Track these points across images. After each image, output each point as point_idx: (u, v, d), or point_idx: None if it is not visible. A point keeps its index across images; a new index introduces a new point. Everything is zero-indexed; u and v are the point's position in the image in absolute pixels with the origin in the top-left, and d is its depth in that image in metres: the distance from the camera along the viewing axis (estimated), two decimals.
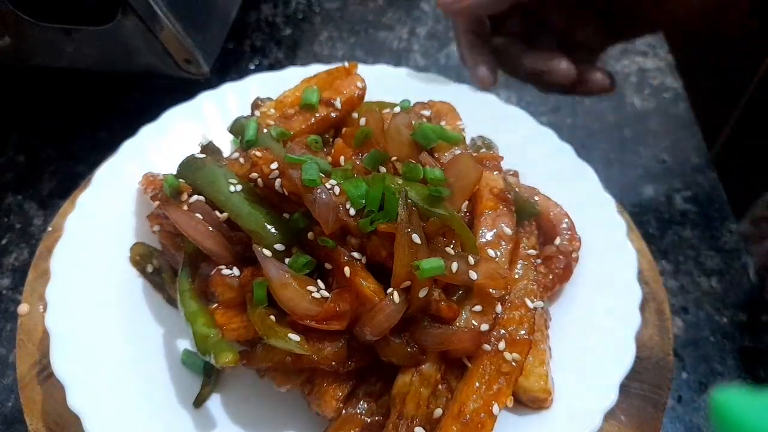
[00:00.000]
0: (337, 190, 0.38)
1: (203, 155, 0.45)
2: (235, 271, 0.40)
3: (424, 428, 0.36)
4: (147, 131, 0.53)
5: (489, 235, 0.41)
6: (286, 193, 0.40)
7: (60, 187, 0.62)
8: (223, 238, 0.41)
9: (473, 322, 0.37)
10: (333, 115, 0.48)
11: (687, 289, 0.57)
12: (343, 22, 0.83)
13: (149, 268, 0.46)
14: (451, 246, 0.38)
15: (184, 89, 0.58)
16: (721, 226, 0.62)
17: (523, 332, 0.37)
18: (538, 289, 0.40)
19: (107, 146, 0.56)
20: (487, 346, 0.37)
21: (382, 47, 0.80)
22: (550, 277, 0.43)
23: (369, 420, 0.37)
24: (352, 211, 0.37)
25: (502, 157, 0.48)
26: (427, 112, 0.48)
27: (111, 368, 0.41)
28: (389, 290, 0.36)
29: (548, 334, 0.42)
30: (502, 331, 0.38)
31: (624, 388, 0.41)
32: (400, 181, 0.39)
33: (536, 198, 0.47)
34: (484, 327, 0.37)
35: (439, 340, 0.36)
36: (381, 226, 0.37)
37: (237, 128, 0.47)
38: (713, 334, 0.53)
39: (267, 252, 0.38)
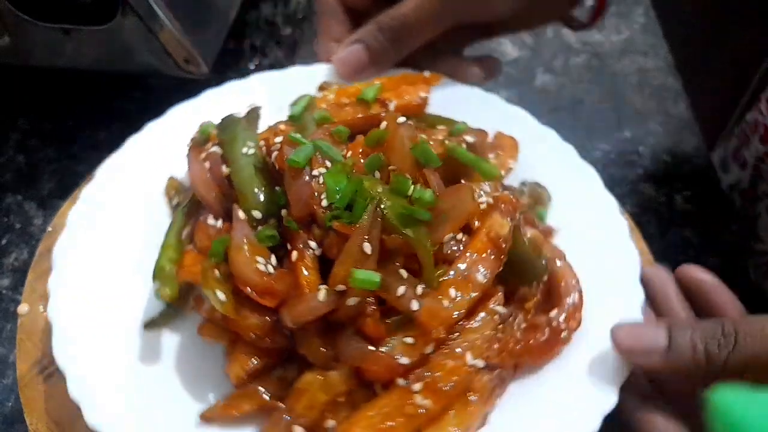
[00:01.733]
0: (321, 179, 0.39)
1: (241, 116, 0.48)
2: (220, 224, 0.42)
3: (305, 428, 0.35)
4: (151, 127, 0.53)
5: (460, 275, 0.37)
6: (277, 168, 0.41)
7: (60, 187, 0.62)
8: (219, 191, 0.43)
9: (398, 352, 0.35)
10: (383, 114, 0.46)
11: None
12: None
13: (174, 201, 0.48)
14: (406, 272, 0.36)
15: (184, 89, 0.58)
16: (722, 227, 0.62)
17: (448, 385, 0.35)
18: (492, 349, 0.37)
19: (107, 146, 0.56)
20: (401, 381, 0.35)
21: None
22: (519, 346, 0.38)
23: (268, 401, 0.37)
24: (324, 203, 0.37)
25: (537, 211, 0.45)
26: (470, 138, 0.45)
27: (114, 360, 0.41)
28: (321, 286, 0.36)
29: (495, 403, 0.38)
30: (427, 373, 0.35)
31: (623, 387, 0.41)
32: (381, 190, 0.37)
33: (557, 263, 0.42)
34: (404, 360, 0.35)
35: (354, 354, 0.35)
36: (337, 224, 0.37)
37: (295, 102, 0.49)
38: None
39: (242, 214, 0.39)
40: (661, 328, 0.37)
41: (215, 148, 0.45)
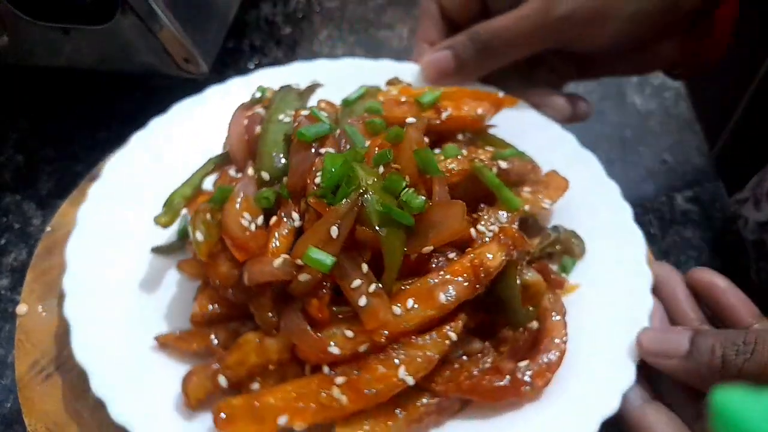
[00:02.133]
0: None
1: (299, 87, 0.50)
2: (239, 177, 0.44)
3: (228, 381, 0.36)
4: (156, 123, 0.53)
5: (424, 290, 0.36)
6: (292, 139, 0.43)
7: (59, 187, 0.62)
8: (247, 147, 0.45)
9: (333, 341, 0.35)
10: (435, 122, 0.46)
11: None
12: (342, 21, 0.82)
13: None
14: (368, 269, 0.36)
15: (184, 88, 0.58)
16: (723, 226, 0.62)
17: (371, 389, 0.34)
18: (439, 375, 0.36)
19: (106, 146, 0.56)
20: (326, 369, 0.35)
21: (381, 46, 0.79)
22: (468, 382, 0.36)
23: (213, 347, 0.39)
24: (318, 180, 0.38)
25: (560, 275, 0.43)
26: (505, 164, 0.44)
27: (132, 352, 0.40)
28: (283, 255, 0.37)
29: (425, 429, 0.37)
30: (355, 372, 0.35)
31: None
32: (372, 182, 0.37)
33: (553, 317, 0.40)
34: (335, 350, 0.35)
35: (291, 328, 0.36)
36: (313, 200, 0.37)
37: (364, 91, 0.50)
38: None
39: (252, 172, 0.42)
40: (684, 334, 0.38)
41: (260, 110, 0.46)
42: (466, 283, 0.37)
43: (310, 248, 0.35)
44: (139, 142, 0.52)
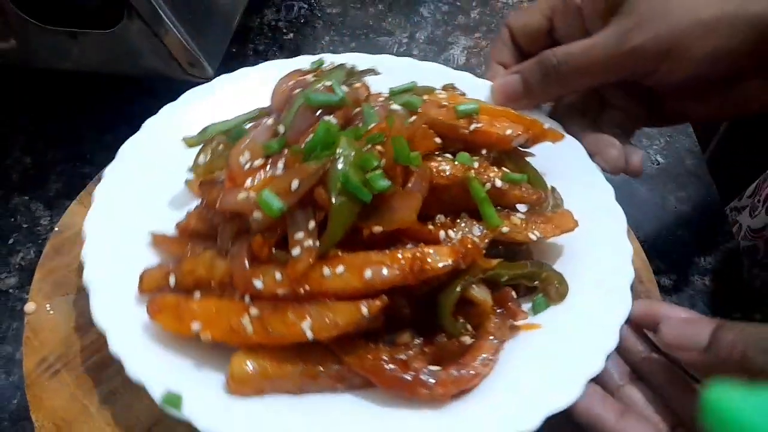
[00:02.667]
0: (331, 122, 0.43)
1: (355, 67, 0.51)
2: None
3: (176, 282, 0.41)
4: (168, 110, 0.54)
5: (357, 261, 0.38)
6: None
7: (67, 187, 0.63)
8: (285, 105, 0.48)
9: (259, 277, 0.39)
10: (463, 131, 0.46)
11: (681, 288, 0.58)
12: (344, 26, 0.84)
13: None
14: (315, 226, 0.39)
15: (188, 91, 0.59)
16: (715, 227, 0.63)
17: (273, 332, 0.38)
18: (332, 332, 0.37)
19: (113, 147, 0.57)
20: (246, 299, 0.39)
21: (382, 51, 0.81)
22: (369, 364, 0.35)
23: (183, 252, 0.44)
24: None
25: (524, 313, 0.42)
26: (501, 183, 0.43)
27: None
28: (248, 192, 0.41)
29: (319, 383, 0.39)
30: (267, 311, 0.38)
31: None
32: (348, 155, 0.39)
33: (489, 340, 0.40)
34: (259, 285, 0.38)
35: (232, 255, 0.40)
36: (286, 152, 0.41)
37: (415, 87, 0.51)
38: None
39: (271, 122, 0.45)
40: (707, 326, 0.36)
41: (310, 77, 0.49)
42: (397, 271, 0.38)
43: (264, 191, 0.38)
44: (152, 126, 0.53)
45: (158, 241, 0.46)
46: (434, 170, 0.42)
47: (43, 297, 0.49)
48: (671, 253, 0.60)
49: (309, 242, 0.38)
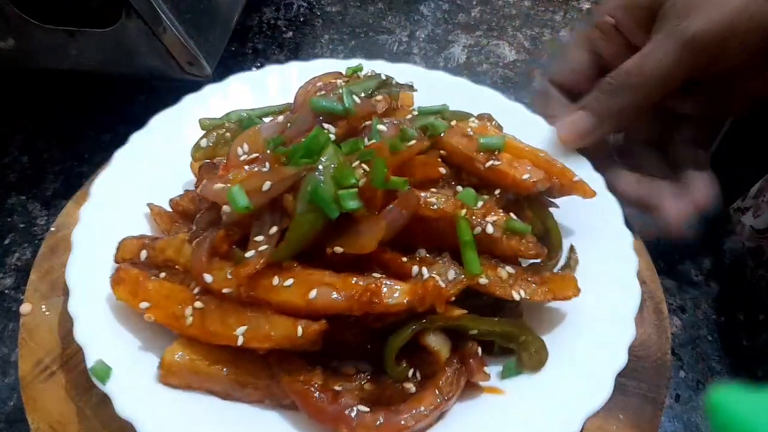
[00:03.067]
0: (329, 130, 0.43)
1: (390, 79, 0.50)
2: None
3: (146, 257, 0.43)
4: (157, 120, 0.54)
5: (308, 280, 0.37)
6: None
7: (64, 187, 0.63)
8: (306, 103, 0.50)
9: (214, 272, 0.39)
10: (477, 165, 0.44)
11: (685, 288, 0.57)
12: (343, 25, 0.83)
13: None
14: (277, 232, 0.38)
15: (187, 91, 0.59)
16: (719, 226, 0.62)
17: (210, 328, 0.38)
18: (264, 344, 0.38)
19: (111, 147, 0.56)
20: (196, 289, 0.39)
21: (381, 50, 0.80)
22: (301, 385, 0.36)
23: (172, 228, 0.45)
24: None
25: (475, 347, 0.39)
26: (492, 230, 0.40)
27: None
28: (226, 185, 0.41)
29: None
30: (212, 306, 0.39)
31: (622, 386, 0.42)
32: (329, 166, 0.38)
33: (434, 393, 0.38)
34: (208, 280, 0.39)
35: (196, 244, 0.40)
36: (270, 151, 0.41)
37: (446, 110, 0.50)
38: (711, 333, 0.54)
39: (282, 118, 0.46)
40: (579, 111, 0.45)
41: (340, 82, 0.49)
42: (343, 299, 0.36)
43: (234, 188, 0.38)
44: (158, 123, 0.53)
45: (154, 212, 0.47)
46: (422, 200, 0.40)
47: (39, 298, 0.49)
48: (674, 253, 0.60)
49: (265, 247, 0.38)
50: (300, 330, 0.37)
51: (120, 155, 0.50)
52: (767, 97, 0.52)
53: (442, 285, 0.38)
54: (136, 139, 0.52)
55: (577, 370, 0.39)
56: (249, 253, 0.38)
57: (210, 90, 0.55)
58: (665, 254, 0.59)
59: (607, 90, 0.47)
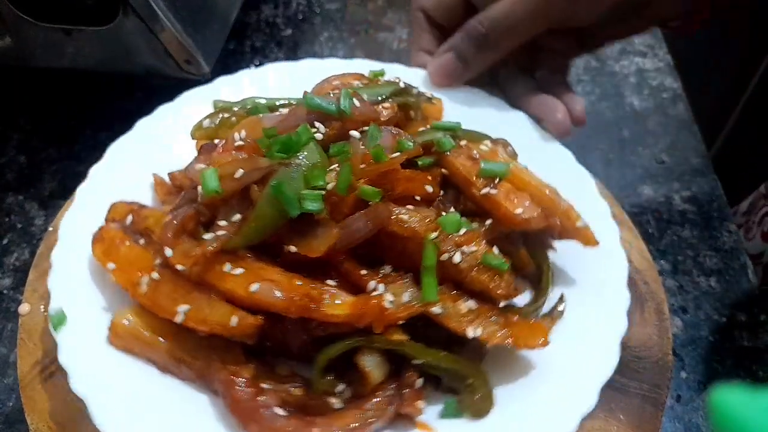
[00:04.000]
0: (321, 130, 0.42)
1: (412, 88, 0.51)
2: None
3: (131, 223, 0.45)
4: (163, 110, 0.55)
5: (251, 271, 0.37)
6: None
7: (61, 187, 0.63)
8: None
9: (177, 249, 0.39)
10: (472, 189, 0.42)
11: (686, 288, 0.57)
12: (343, 22, 0.83)
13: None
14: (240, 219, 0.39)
15: (185, 89, 0.58)
16: (720, 226, 0.62)
17: (156, 301, 0.39)
18: (199, 326, 0.39)
19: (108, 146, 0.56)
20: (158, 261, 0.40)
21: (381, 48, 0.80)
22: (238, 391, 0.36)
23: (133, 209, 0.46)
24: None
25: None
26: (459, 259, 0.38)
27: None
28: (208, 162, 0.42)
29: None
30: (165, 281, 0.40)
31: (623, 387, 0.42)
32: (303, 165, 0.38)
33: (353, 415, 0.37)
34: (168, 254, 0.39)
35: (170, 217, 0.41)
36: (251, 142, 0.41)
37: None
38: (712, 334, 0.54)
39: (285, 111, 0.47)
40: (445, 52, 0.51)
41: (357, 82, 0.50)
42: (282, 298, 0.36)
43: (209, 171, 0.39)
44: (144, 127, 0.53)
45: (156, 182, 0.49)
46: (395, 216, 0.38)
47: (37, 298, 0.49)
48: (676, 253, 0.60)
49: (223, 233, 0.38)
50: (235, 320, 0.37)
51: (142, 124, 0.53)
52: (621, 40, 0.61)
53: (389, 306, 0.36)
54: (162, 110, 0.54)
55: (526, 424, 0.37)
56: (208, 236, 0.39)
57: (243, 74, 0.57)
58: (667, 254, 0.59)
59: (475, 35, 0.51)
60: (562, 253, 0.45)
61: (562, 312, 0.42)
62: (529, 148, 0.50)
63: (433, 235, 0.38)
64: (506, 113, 0.54)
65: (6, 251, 0.58)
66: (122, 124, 0.53)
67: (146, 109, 0.54)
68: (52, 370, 0.44)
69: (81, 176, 0.59)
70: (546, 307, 0.44)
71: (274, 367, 0.40)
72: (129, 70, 0.62)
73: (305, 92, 0.45)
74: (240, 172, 0.39)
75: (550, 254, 0.46)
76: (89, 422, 0.38)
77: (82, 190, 0.49)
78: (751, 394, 0.19)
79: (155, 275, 0.40)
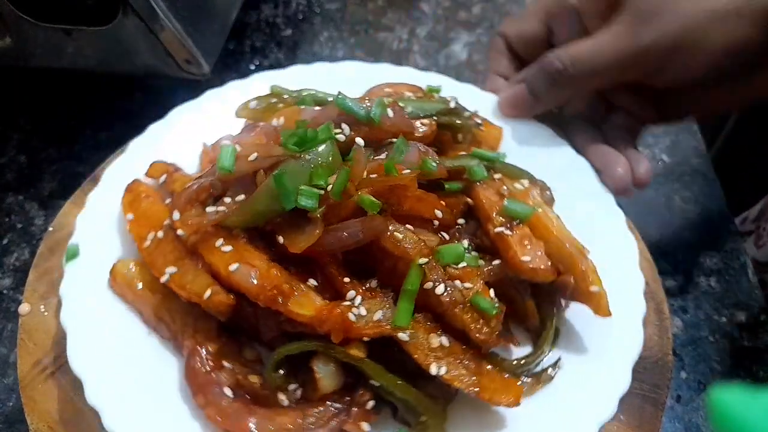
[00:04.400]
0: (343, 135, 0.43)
1: (447, 101, 0.51)
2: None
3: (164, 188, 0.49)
4: (233, 85, 0.57)
5: (245, 257, 0.39)
6: None
7: (61, 187, 0.62)
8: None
9: (178, 217, 0.42)
10: (488, 225, 0.41)
11: (686, 289, 0.57)
12: (343, 22, 0.83)
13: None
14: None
15: (185, 89, 0.58)
16: (720, 227, 0.62)
17: (150, 249, 0.43)
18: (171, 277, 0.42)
19: (108, 146, 0.56)
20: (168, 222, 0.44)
21: (381, 48, 0.80)
22: (203, 376, 0.37)
23: (168, 170, 0.50)
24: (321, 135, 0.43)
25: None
26: (441, 289, 0.36)
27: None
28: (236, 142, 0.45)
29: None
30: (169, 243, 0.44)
31: None
32: (312, 163, 0.39)
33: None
34: (165, 222, 0.44)
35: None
36: (274, 129, 0.44)
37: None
38: (712, 334, 0.54)
39: (319, 107, 0.48)
40: (518, 83, 0.49)
41: (409, 93, 0.51)
42: (255, 283, 0.38)
43: (229, 148, 0.41)
44: (178, 115, 0.55)
45: (203, 150, 0.52)
46: (389, 232, 0.37)
47: (37, 298, 0.49)
48: (676, 253, 0.60)
49: (223, 209, 0.40)
50: (209, 293, 0.39)
51: (210, 94, 0.56)
52: (702, 115, 0.56)
53: (353, 319, 0.36)
54: (232, 85, 0.57)
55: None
56: (210, 209, 0.41)
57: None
58: (667, 255, 0.59)
59: (550, 69, 0.48)
60: (578, 314, 0.41)
61: (551, 377, 0.40)
62: (578, 198, 0.47)
63: (423, 260, 0.37)
64: (567, 156, 0.50)
65: (6, 251, 0.58)
66: (122, 124, 0.53)
67: (146, 109, 0.54)
68: (52, 370, 0.44)
69: (81, 176, 0.59)
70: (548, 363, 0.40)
71: (241, 349, 0.42)
72: (129, 70, 0.62)
73: (339, 92, 0.45)
74: (254, 155, 0.41)
75: (568, 312, 0.42)
76: (90, 422, 0.38)
77: (135, 143, 0.52)
78: (751, 394, 0.19)
79: (160, 234, 0.43)
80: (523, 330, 0.43)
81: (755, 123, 0.84)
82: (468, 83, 0.57)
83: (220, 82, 0.59)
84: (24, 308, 0.48)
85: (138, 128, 0.54)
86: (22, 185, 0.63)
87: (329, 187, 0.38)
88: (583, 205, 0.47)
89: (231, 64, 0.75)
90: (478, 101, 0.53)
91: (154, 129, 0.53)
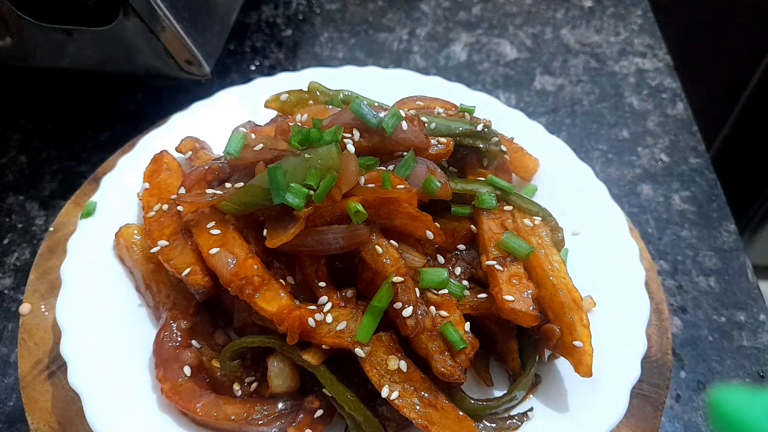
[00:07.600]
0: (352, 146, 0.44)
1: (487, 134, 0.49)
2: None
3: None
4: (283, 76, 0.59)
5: (205, 245, 0.41)
6: None
7: (61, 187, 0.63)
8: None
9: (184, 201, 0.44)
10: (483, 256, 0.40)
11: (685, 288, 0.57)
12: (343, 23, 0.83)
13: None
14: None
15: (186, 90, 0.58)
16: (720, 226, 0.62)
17: (153, 214, 0.46)
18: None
19: (109, 147, 0.56)
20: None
21: (382, 48, 0.80)
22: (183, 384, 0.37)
23: (197, 147, 0.53)
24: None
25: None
26: (420, 316, 0.34)
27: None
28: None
29: None
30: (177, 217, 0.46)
31: None
32: (310, 163, 0.39)
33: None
34: (180, 209, 0.45)
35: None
36: (283, 123, 0.45)
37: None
38: (711, 334, 0.54)
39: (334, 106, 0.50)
40: None
41: (438, 110, 0.51)
42: (230, 269, 0.39)
43: (239, 134, 0.43)
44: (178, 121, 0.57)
45: (235, 130, 0.52)
46: (372, 246, 0.37)
47: (38, 298, 0.49)
48: (675, 253, 0.60)
49: (220, 193, 0.42)
50: (187, 271, 0.41)
51: (259, 82, 0.58)
52: None
53: (313, 325, 0.36)
54: (282, 76, 0.59)
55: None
56: (209, 191, 0.43)
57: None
58: (666, 254, 0.59)
59: None
60: (570, 368, 0.38)
61: (518, 426, 0.37)
62: (604, 246, 0.45)
63: (398, 279, 0.36)
64: (601, 200, 0.48)
65: (7, 251, 0.58)
66: (122, 124, 0.53)
67: (147, 109, 0.54)
68: (53, 370, 0.44)
69: (81, 176, 0.59)
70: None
71: (214, 332, 0.43)
72: (129, 70, 0.62)
73: (357, 97, 0.46)
74: (259, 146, 0.42)
75: (558, 364, 0.40)
76: (86, 422, 0.38)
77: (177, 117, 0.54)
78: (751, 394, 0.19)
79: (165, 207, 0.45)
80: (506, 372, 0.41)
81: (755, 122, 0.84)
82: (518, 110, 0.56)
83: (220, 82, 0.59)
84: (25, 308, 0.48)
85: (138, 128, 0.54)
86: (22, 185, 0.63)
87: (319, 188, 0.39)
88: (608, 254, 0.44)
89: (231, 65, 0.76)
90: (522, 128, 0.51)
91: (198, 107, 0.55)
